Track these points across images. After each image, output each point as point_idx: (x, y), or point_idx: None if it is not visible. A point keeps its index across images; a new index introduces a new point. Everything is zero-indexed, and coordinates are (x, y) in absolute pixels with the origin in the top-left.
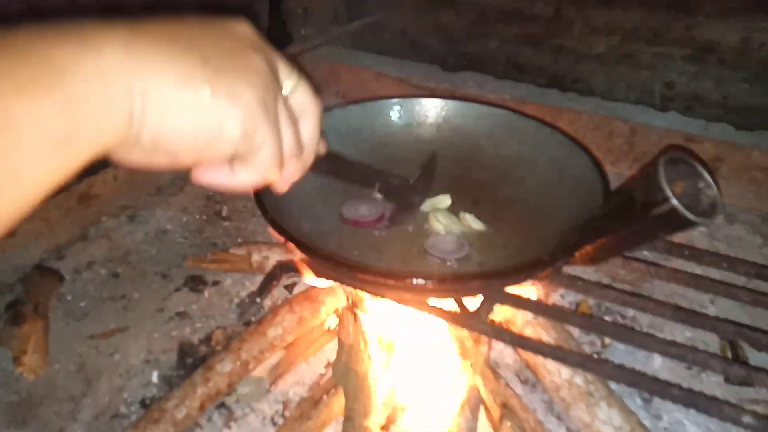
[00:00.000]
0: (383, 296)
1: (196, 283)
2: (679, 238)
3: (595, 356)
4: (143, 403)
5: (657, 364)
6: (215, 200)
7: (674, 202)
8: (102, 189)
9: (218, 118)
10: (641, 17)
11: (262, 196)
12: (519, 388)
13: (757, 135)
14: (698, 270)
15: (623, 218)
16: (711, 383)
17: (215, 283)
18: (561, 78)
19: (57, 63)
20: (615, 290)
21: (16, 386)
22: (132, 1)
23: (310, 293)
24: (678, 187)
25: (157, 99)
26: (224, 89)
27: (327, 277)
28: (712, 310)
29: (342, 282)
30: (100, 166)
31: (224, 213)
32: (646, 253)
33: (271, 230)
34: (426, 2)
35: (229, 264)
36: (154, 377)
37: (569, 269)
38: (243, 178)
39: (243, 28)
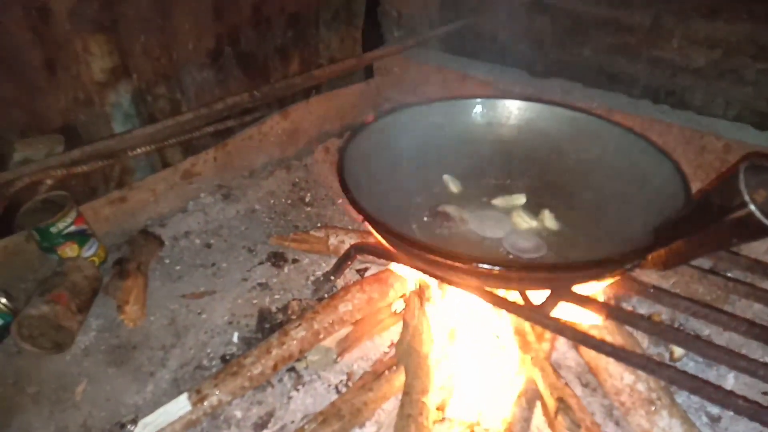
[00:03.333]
0: (450, 281)
1: (277, 259)
2: (764, 255)
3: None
4: (224, 359)
5: (729, 384)
6: (300, 187)
7: (752, 207)
8: (202, 168)
9: None
10: (747, 30)
11: (346, 178)
12: (579, 390)
13: None
14: None
15: (699, 222)
16: None
17: (294, 260)
18: (655, 90)
19: None
20: (688, 300)
21: (117, 332)
22: None
23: (380, 276)
24: (758, 194)
25: None
26: None
27: (397, 259)
28: None
29: (410, 263)
30: (201, 147)
31: (307, 199)
32: (729, 273)
33: (349, 209)
34: (520, 8)
35: (308, 244)
36: (235, 337)
37: (643, 276)
38: None
39: None
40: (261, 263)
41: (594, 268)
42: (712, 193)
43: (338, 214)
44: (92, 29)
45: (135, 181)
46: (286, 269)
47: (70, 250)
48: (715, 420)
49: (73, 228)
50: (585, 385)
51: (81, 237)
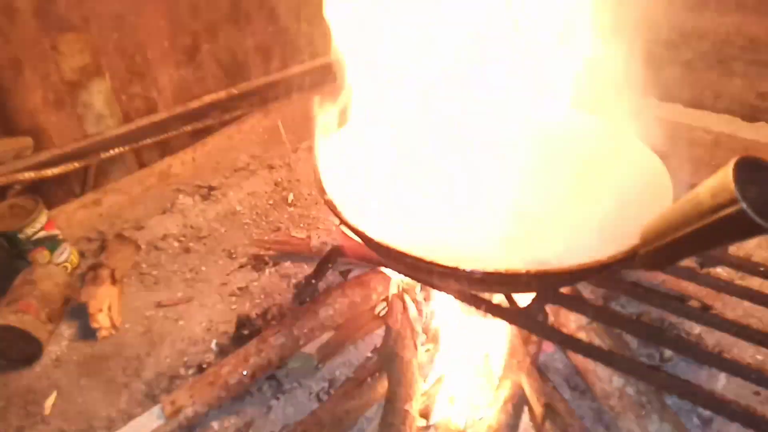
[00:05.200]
0: (432, 285)
1: (258, 262)
2: (756, 256)
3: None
4: (200, 368)
5: (720, 386)
6: (283, 187)
7: (743, 204)
8: (180, 169)
9: None
10: (736, 22)
11: (325, 180)
12: (567, 394)
13: None
14: None
15: (689, 220)
16: None
17: (276, 264)
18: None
19: None
20: (677, 300)
21: (90, 341)
22: None
23: (362, 279)
24: (750, 192)
25: None
26: None
27: (379, 262)
28: None
29: (392, 266)
30: (179, 147)
31: (290, 199)
32: (719, 270)
33: (330, 210)
34: None
35: (290, 246)
36: (213, 345)
37: (632, 276)
38: None
39: None
40: (241, 267)
41: (579, 270)
42: (704, 190)
43: (322, 213)
44: (61, 27)
45: (109, 183)
46: (267, 273)
47: (40, 257)
48: (706, 422)
49: (42, 233)
50: (573, 389)
51: (52, 242)
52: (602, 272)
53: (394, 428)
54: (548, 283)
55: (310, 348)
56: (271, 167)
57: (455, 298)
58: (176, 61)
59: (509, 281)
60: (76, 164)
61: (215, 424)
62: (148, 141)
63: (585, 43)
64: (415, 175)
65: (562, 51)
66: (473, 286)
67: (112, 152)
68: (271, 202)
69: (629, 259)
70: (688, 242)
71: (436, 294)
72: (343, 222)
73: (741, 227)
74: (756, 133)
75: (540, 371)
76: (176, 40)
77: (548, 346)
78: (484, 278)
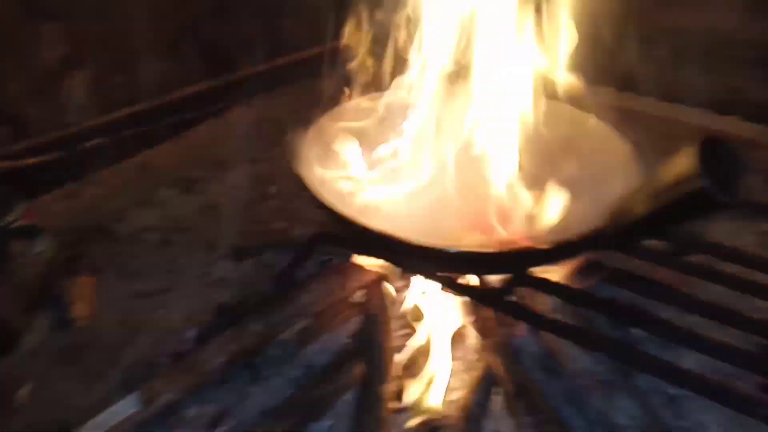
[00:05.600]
0: (408, 269)
1: (239, 253)
2: (729, 242)
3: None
4: (179, 356)
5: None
6: (265, 180)
7: (704, 181)
8: (162, 161)
9: None
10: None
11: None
12: (540, 375)
13: None
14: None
15: (653, 198)
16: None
17: (257, 255)
18: (620, 77)
19: None
20: (647, 281)
21: (67, 331)
22: None
23: (340, 267)
24: (711, 171)
25: None
26: None
27: (353, 247)
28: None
29: (365, 249)
30: (161, 138)
31: (272, 192)
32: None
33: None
34: None
35: (270, 238)
36: (191, 334)
37: (606, 259)
38: None
39: None
40: (221, 258)
41: (546, 253)
42: (667, 169)
43: (304, 206)
44: (43, 16)
45: (90, 174)
46: (247, 263)
47: (17, 247)
48: (672, 400)
49: (20, 223)
50: (545, 370)
51: (30, 233)
52: (570, 253)
53: (370, 410)
54: (516, 264)
55: (289, 335)
56: (253, 160)
57: (430, 280)
58: (159, 53)
59: (478, 261)
60: (57, 154)
61: (192, 411)
62: (130, 132)
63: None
64: (394, 164)
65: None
66: (446, 268)
67: (92, 143)
68: (253, 194)
69: (596, 238)
70: (652, 220)
71: (413, 280)
72: (319, 203)
73: (702, 203)
74: (726, 125)
75: (513, 354)
76: (159, 32)
77: (521, 331)
78: (454, 258)
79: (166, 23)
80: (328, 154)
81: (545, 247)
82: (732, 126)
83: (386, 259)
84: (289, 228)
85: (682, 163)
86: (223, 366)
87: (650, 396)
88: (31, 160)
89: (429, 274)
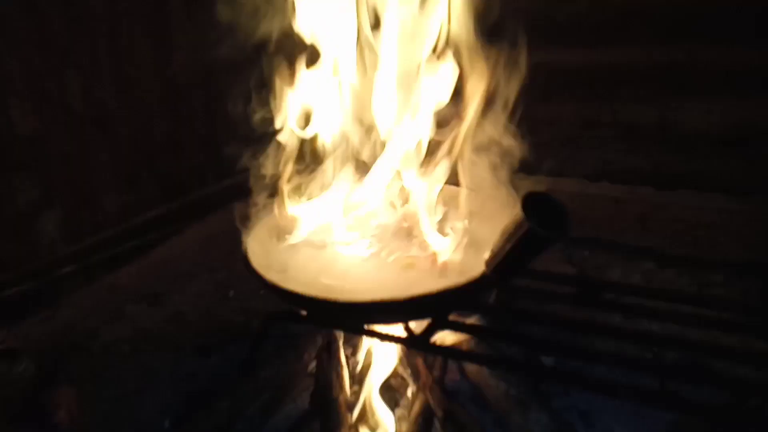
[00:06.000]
0: (347, 329)
1: (204, 350)
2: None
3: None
4: None
5: None
6: (224, 285)
7: (529, 224)
8: (127, 280)
9: None
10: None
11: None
12: (472, 408)
13: (677, 194)
14: None
15: (505, 243)
16: None
17: (219, 349)
18: None
19: None
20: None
21: None
22: None
23: (294, 343)
24: (537, 215)
25: None
26: None
27: (301, 319)
28: None
29: (307, 319)
30: (125, 260)
31: (231, 295)
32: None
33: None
34: None
35: (231, 333)
36: (167, 423)
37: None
38: None
39: None
40: (189, 357)
41: (440, 295)
42: (510, 221)
43: (263, 302)
44: (16, 167)
45: (63, 298)
46: (213, 359)
47: (1, 367)
48: (584, 415)
49: (1, 348)
50: (476, 404)
51: (11, 356)
52: (466, 295)
53: None
54: (428, 309)
55: (254, 409)
56: (211, 270)
57: (365, 336)
58: (119, 188)
59: (397, 310)
60: (32, 284)
61: None
62: (97, 258)
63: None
64: (327, 248)
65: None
66: (374, 320)
67: (64, 271)
68: (214, 299)
69: (481, 281)
70: (509, 260)
71: (359, 343)
72: (258, 277)
73: (534, 240)
74: (599, 189)
75: (447, 393)
76: (119, 169)
77: (453, 374)
78: (374, 309)
79: (125, 161)
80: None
81: (435, 291)
82: (603, 188)
83: (328, 325)
84: (247, 321)
85: (516, 213)
86: None
87: (564, 413)
88: (8, 292)
89: (364, 332)
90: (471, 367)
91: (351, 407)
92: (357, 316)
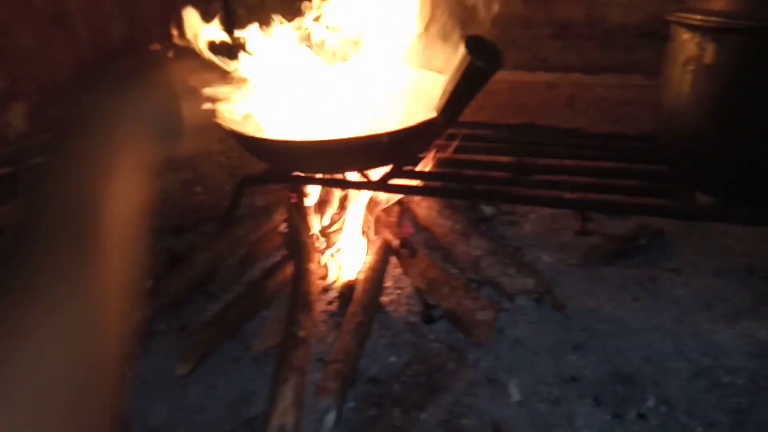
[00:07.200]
0: (309, 171)
1: (178, 229)
2: None
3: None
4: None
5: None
6: (191, 183)
7: (472, 57)
8: None
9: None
10: None
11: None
12: (426, 251)
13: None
14: None
15: (452, 81)
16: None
17: (193, 228)
18: None
19: None
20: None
21: None
22: None
23: (266, 205)
24: (476, 53)
25: None
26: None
27: (274, 179)
28: None
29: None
30: None
31: (198, 190)
32: None
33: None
34: None
35: (202, 215)
36: (150, 282)
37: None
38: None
39: None
40: (166, 234)
41: (396, 135)
42: (454, 63)
43: (224, 200)
44: None
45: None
46: (187, 235)
47: None
48: (517, 249)
49: None
50: (428, 247)
51: None
52: (420, 137)
53: (301, 289)
54: (383, 154)
55: (232, 261)
56: (176, 170)
57: (330, 186)
58: None
59: (354, 153)
60: (3, 170)
61: (163, 325)
62: None
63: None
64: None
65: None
66: (334, 166)
67: (32, 162)
68: (181, 194)
69: (432, 122)
70: (455, 97)
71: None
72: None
73: (474, 73)
74: (534, 77)
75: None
76: (79, 69)
77: (408, 228)
78: (333, 151)
79: (85, 60)
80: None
81: (392, 132)
82: (538, 76)
83: (287, 177)
84: (217, 203)
85: (459, 52)
86: (182, 292)
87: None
88: None
89: (327, 182)
90: (421, 215)
91: (323, 251)
92: (318, 162)
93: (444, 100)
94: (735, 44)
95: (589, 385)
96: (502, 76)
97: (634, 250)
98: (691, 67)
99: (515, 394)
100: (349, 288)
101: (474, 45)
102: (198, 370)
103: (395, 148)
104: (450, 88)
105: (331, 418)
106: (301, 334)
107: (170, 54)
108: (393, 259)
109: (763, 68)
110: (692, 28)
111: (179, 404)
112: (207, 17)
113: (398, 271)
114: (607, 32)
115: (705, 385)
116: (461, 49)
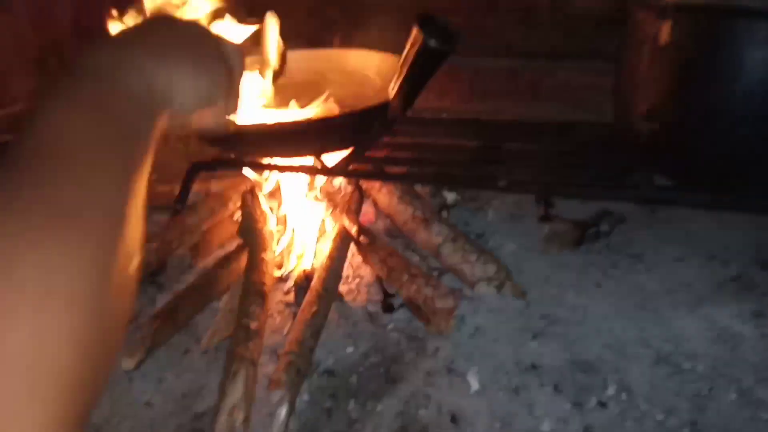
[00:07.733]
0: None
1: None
2: None
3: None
4: None
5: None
6: None
7: (426, 38)
8: None
9: (205, 89)
10: None
11: None
12: (387, 240)
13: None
14: None
15: (405, 63)
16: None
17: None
18: None
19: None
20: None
21: None
22: None
23: (220, 193)
24: (430, 33)
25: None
26: (205, 73)
27: (229, 163)
28: None
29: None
30: None
31: (153, 178)
32: None
33: None
34: None
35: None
36: None
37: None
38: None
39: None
40: None
41: (350, 118)
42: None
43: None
44: None
45: None
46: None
47: None
48: (479, 236)
49: None
50: (389, 236)
51: None
52: (375, 120)
53: (254, 279)
54: (337, 138)
55: (182, 251)
56: None
57: (283, 171)
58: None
59: (309, 136)
60: None
61: None
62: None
63: None
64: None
65: None
66: (289, 149)
67: None
68: None
69: (387, 104)
70: (409, 80)
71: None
72: None
73: (428, 54)
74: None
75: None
76: (24, 54)
77: (369, 216)
78: (292, 132)
79: (30, 45)
80: None
81: (364, 108)
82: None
83: (242, 162)
84: (171, 189)
85: (413, 33)
86: None
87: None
88: None
89: (282, 167)
90: (382, 201)
91: (279, 240)
92: (271, 146)
93: (398, 82)
94: (689, 23)
95: (550, 373)
96: (467, 63)
97: (596, 236)
98: (647, 47)
99: (474, 383)
100: (306, 277)
101: (427, 24)
102: (145, 364)
103: (351, 132)
104: (404, 70)
105: (283, 411)
106: (253, 325)
107: None
108: (353, 248)
109: (716, 47)
110: (647, 6)
111: (124, 400)
112: None
113: (358, 259)
114: (570, 18)
115: (666, 372)
116: (414, 29)
